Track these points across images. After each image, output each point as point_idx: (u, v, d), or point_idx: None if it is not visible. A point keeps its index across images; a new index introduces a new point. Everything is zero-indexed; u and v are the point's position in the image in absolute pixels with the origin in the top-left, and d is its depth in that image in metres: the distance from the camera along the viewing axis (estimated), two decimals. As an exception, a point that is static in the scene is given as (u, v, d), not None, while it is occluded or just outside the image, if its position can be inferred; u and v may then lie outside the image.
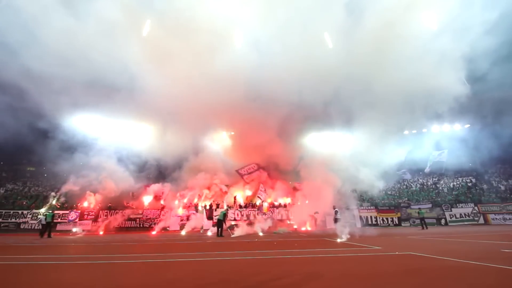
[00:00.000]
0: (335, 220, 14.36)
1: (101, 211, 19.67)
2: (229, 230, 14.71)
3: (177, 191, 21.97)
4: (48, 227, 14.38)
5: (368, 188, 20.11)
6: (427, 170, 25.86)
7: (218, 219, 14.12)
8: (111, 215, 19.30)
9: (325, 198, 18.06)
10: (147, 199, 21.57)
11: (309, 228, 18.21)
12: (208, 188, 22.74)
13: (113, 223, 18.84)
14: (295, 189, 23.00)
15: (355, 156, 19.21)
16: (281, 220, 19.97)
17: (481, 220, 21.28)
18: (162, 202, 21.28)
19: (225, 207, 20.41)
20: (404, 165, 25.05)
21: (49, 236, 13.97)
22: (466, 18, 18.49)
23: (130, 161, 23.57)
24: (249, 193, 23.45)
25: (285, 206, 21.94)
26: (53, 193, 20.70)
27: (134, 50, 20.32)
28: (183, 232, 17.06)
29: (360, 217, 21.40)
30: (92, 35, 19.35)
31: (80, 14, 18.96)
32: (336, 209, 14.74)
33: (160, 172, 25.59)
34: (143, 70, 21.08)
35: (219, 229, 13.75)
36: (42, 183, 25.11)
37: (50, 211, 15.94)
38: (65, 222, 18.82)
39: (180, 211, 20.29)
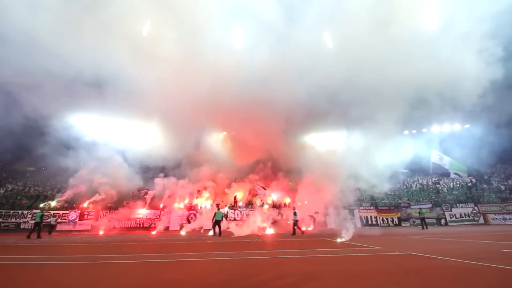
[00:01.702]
0: (294, 222, 14.39)
1: (101, 211, 19.68)
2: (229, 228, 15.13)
3: (178, 190, 21.97)
4: (38, 227, 13.89)
5: (369, 188, 20.12)
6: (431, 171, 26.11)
7: (216, 220, 14.28)
8: (111, 215, 19.34)
9: (323, 198, 18.10)
10: (147, 199, 21.59)
11: (309, 228, 18.23)
12: (213, 181, 22.92)
13: (113, 223, 18.87)
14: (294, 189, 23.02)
15: (355, 156, 19.20)
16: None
17: (481, 220, 21.29)
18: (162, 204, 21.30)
19: (227, 207, 20.50)
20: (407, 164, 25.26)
21: (38, 236, 13.44)
22: (465, 18, 18.51)
23: (130, 161, 23.59)
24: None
25: (285, 205, 21.95)
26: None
27: (135, 51, 20.27)
28: (183, 232, 17.07)
29: (360, 217, 21.43)
30: (91, 34, 19.31)
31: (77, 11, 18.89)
32: (295, 211, 14.96)
33: (160, 172, 25.57)
34: (142, 70, 21.06)
35: (216, 228, 14.07)
36: (42, 183, 25.11)
37: (40, 211, 15.70)
38: (65, 222, 18.85)
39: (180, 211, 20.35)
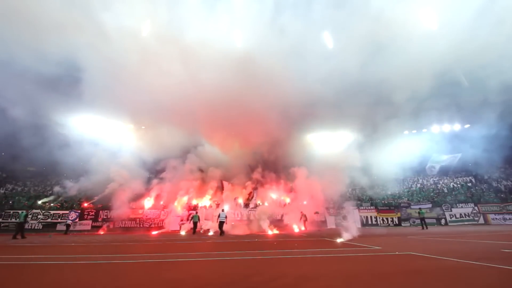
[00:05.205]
0: (220, 224, 14.33)
1: (101, 211, 19.67)
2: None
3: (177, 190, 21.95)
4: (21, 227, 13.46)
5: (370, 189, 20.06)
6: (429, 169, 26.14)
7: (194, 221, 16.28)
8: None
9: (319, 198, 18.11)
10: (147, 199, 21.57)
11: (303, 228, 18.22)
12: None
13: (114, 223, 18.88)
14: (291, 189, 22.95)
15: (355, 156, 19.20)
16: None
17: (481, 220, 21.29)
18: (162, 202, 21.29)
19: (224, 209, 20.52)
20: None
21: (22, 237, 13.03)
22: (465, 17, 18.49)
23: (130, 162, 23.53)
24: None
25: (284, 206, 21.92)
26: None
27: (137, 52, 20.23)
28: (182, 232, 17.08)
29: (360, 217, 21.42)
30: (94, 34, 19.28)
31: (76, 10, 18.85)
32: (221, 211, 15.26)
33: (160, 172, 25.52)
34: (142, 70, 21.05)
35: (195, 228, 16.19)
36: (42, 183, 25.09)
37: (24, 211, 15.08)
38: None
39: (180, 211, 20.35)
